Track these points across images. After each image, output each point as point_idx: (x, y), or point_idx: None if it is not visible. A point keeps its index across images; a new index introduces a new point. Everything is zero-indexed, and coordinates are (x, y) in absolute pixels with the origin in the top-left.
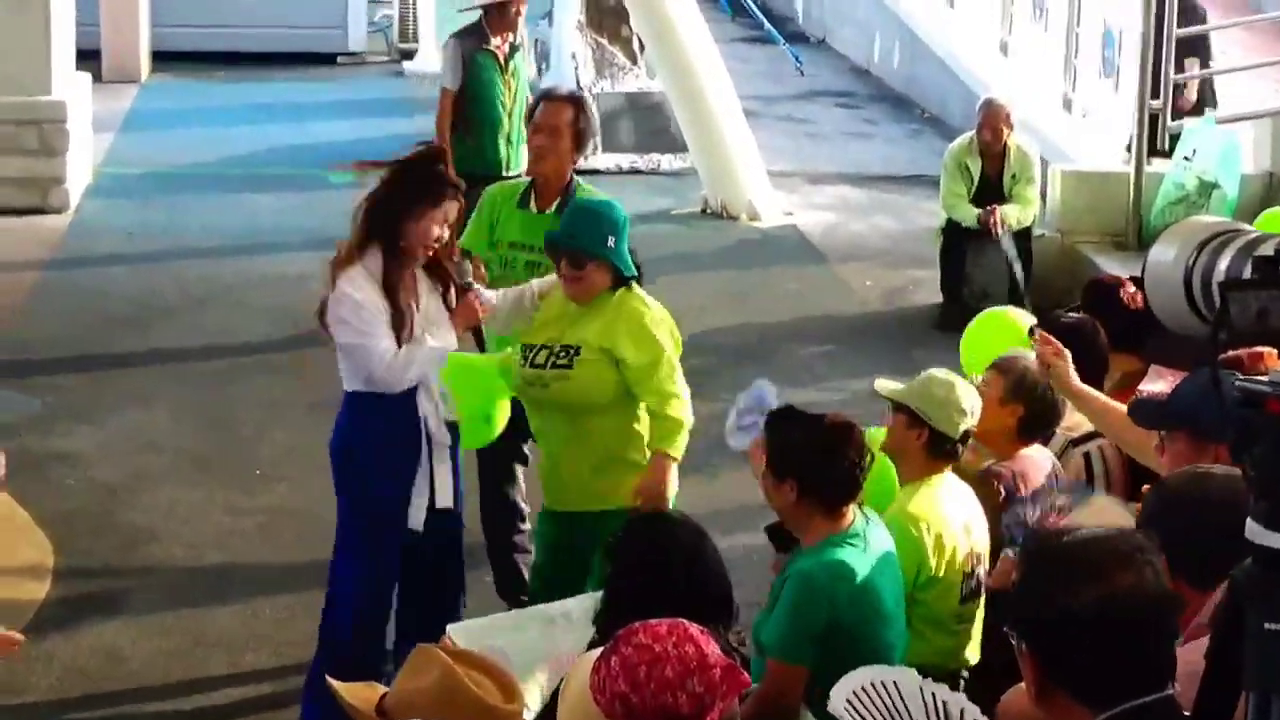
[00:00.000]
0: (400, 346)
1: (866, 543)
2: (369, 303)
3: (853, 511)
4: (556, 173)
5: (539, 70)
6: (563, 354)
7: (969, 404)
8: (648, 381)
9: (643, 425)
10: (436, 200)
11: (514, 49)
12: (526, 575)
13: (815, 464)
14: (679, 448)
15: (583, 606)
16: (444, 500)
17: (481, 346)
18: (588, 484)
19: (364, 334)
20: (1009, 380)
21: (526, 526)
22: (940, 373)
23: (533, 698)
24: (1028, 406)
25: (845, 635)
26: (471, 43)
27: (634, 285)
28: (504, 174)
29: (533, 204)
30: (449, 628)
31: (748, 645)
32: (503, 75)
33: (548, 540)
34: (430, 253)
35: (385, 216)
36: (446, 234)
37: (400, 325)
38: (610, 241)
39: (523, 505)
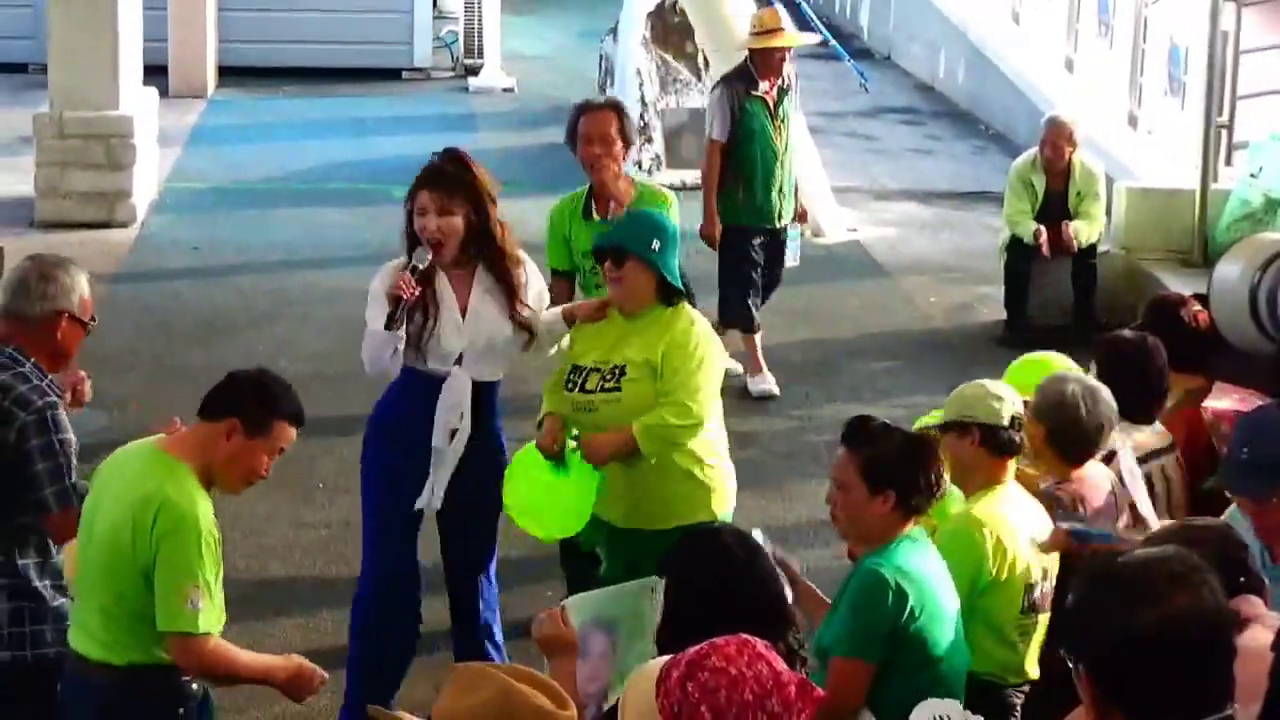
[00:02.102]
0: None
1: (927, 545)
2: (376, 289)
3: (918, 521)
4: (613, 175)
5: (603, 86)
6: (611, 376)
7: (1003, 391)
8: (672, 388)
9: (701, 440)
10: (413, 193)
11: (783, 92)
12: None
13: (912, 475)
14: (649, 440)
15: None
16: (421, 503)
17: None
18: (647, 505)
19: (368, 318)
20: (1036, 398)
21: None
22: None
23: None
24: (1049, 425)
25: (909, 635)
26: (740, 88)
27: (686, 304)
28: (776, 225)
29: (594, 213)
30: (565, 601)
31: (807, 648)
32: (773, 121)
33: (610, 555)
34: (436, 245)
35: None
36: (437, 223)
37: (393, 314)
38: (654, 245)
39: None
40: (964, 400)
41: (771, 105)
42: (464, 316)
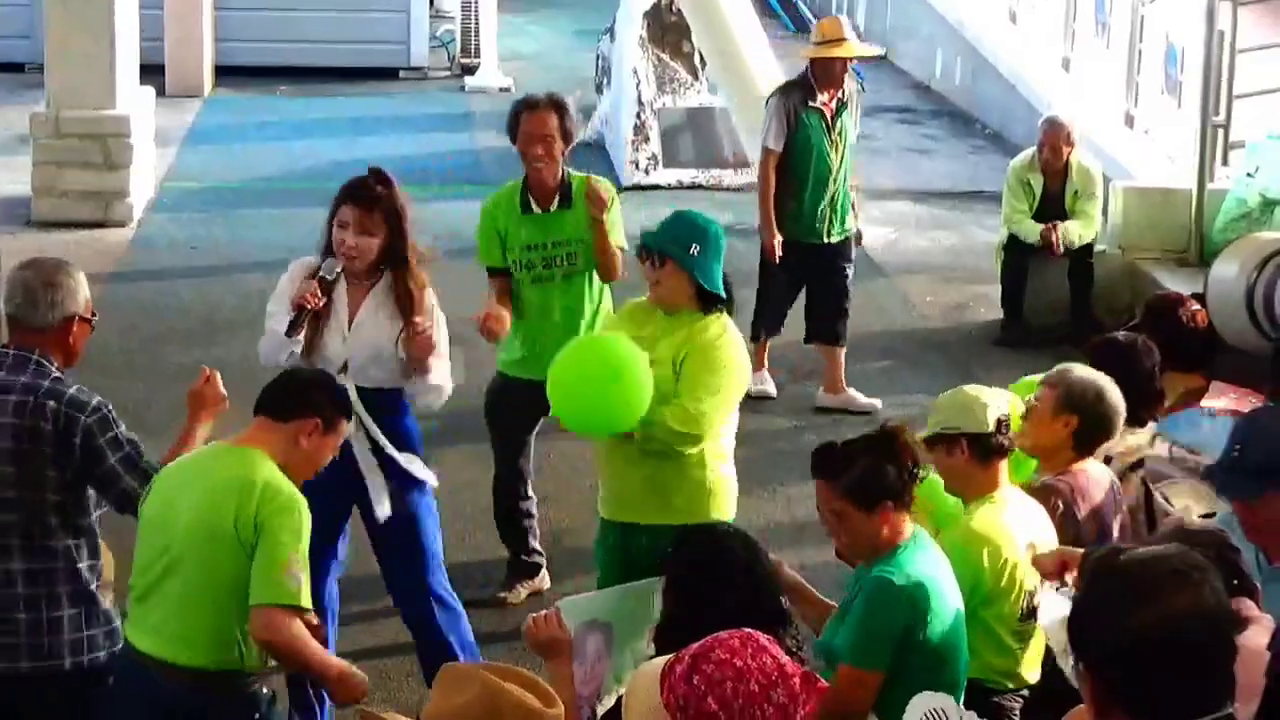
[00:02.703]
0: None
1: (931, 547)
2: (283, 286)
3: (910, 522)
4: (552, 173)
5: (599, 86)
6: None
7: (986, 396)
8: (681, 392)
9: (713, 443)
10: (335, 206)
11: (842, 106)
12: (531, 539)
13: (895, 477)
14: (644, 436)
15: None
16: (380, 514)
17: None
18: (650, 497)
19: (269, 312)
20: (1059, 392)
21: (532, 495)
22: (943, 393)
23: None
24: (1081, 416)
25: (918, 641)
26: (796, 99)
27: (724, 314)
28: (826, 241)
29: (535, 206)
30: (559, 604)
31: (805, 649)
32: (829, 135)
33: (609, 550)
34: (348, 258)
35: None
36: (355, 240)
37: (296, 321)
38: (694, 250)
39: (529, 475)
40: (948, 411)
41: (829, 118)
42: (350, 327)
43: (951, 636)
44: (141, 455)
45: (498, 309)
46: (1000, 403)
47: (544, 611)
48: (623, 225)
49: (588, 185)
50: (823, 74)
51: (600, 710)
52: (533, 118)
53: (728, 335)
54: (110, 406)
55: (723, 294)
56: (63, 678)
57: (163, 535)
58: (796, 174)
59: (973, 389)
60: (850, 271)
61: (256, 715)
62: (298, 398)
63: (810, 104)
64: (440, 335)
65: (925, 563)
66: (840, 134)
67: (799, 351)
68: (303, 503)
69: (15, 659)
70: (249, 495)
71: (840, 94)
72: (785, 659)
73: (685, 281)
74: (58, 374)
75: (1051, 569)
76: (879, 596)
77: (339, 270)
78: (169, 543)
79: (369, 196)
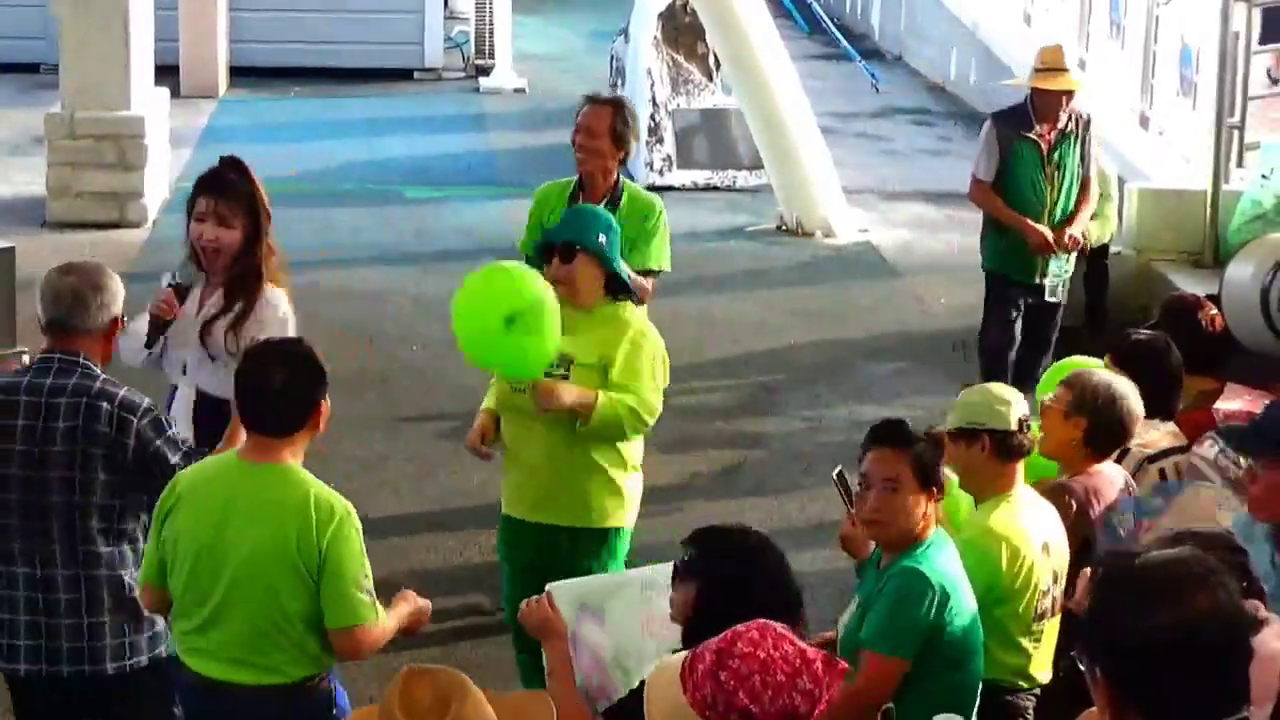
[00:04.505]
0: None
1: (952, 546)
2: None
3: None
4: (601, 170)
5: (614, 86)
6: (559, 364)
7: (1007, 394)
8: (635, 387)
9: (629, 444)
10: (191, 200)
11: (1063, 136)
12: None
13: (940, 474)
14: (606, 414)
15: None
16: None
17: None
18: (566, 500)
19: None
20: (1073, 394)
21: None
22: (966, 388)
23: (635, 661)
24: (1090, 419)
25: (943, 635)
26: (1010, 127)
27: (631, 303)
28: (1037, 281)
29: (581, 200)
30: (549, 586)
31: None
32: (1044, 167)
33: (512, 550)
34: (209, 253)
35: None
36: (214, 233)
37: (155, 336)
38: (601, 239)
39: None
40: (972, 407)
41: (1045, 150)
42: (150, 348)
43: (971, 635)
44: (194, 451)
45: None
46: (1022, 403)
47: (536, 596)
48: (668, 245)
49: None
50: (1041, 104)
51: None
52: (590, 111)
53: (650, 326)
54: (156, 405)
55: (626, 280)
56: (104, 682)
57: (217, 564)
58: (1010, 207)
59: (996, 387)
60: (1058, 317)
61: (335, 710)
62: (293, 410)
63: (1024, 134)
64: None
65: (949, 560)
66: (1059, 167)
67: (809, 352)
68: (351, 510)
69: (56, 662)
70: (307, 522)
71: (1064, 125)
72: (804, 645)
73: (596, 273)
74: (105, 376)
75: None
76: (910, 586)
77: (191, 273)
78: (227, 573)
79: (227, 186)
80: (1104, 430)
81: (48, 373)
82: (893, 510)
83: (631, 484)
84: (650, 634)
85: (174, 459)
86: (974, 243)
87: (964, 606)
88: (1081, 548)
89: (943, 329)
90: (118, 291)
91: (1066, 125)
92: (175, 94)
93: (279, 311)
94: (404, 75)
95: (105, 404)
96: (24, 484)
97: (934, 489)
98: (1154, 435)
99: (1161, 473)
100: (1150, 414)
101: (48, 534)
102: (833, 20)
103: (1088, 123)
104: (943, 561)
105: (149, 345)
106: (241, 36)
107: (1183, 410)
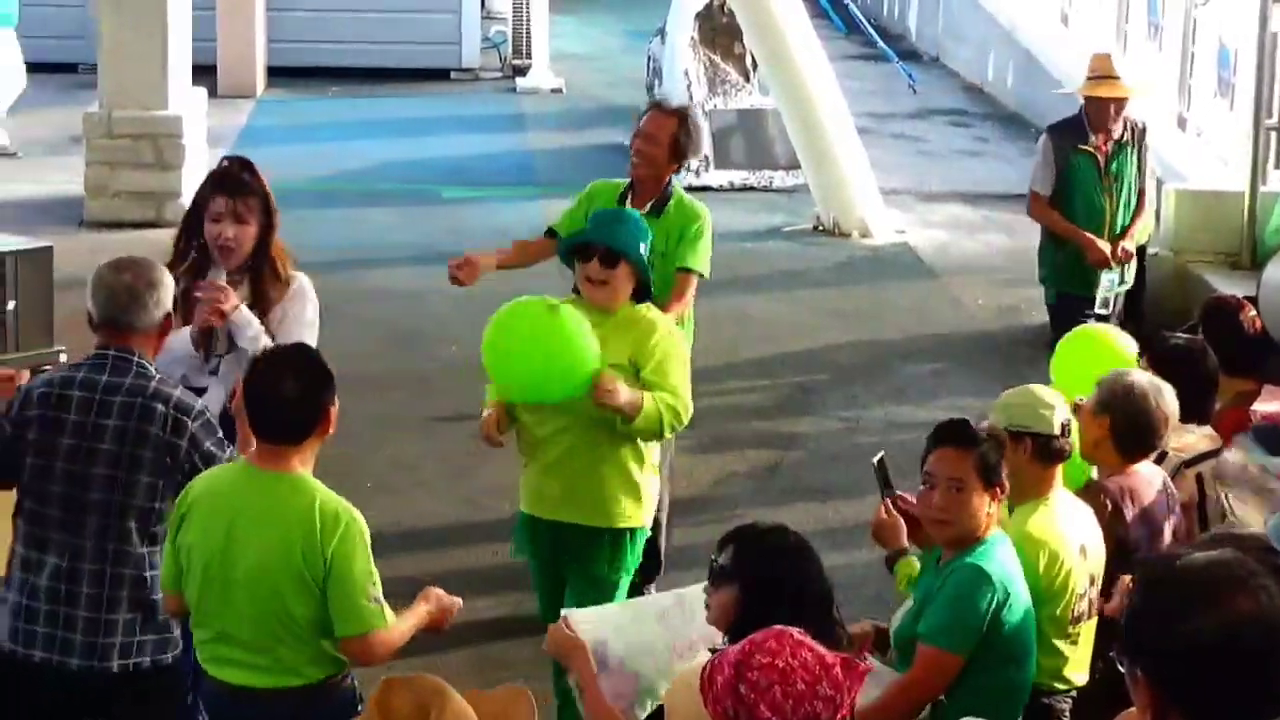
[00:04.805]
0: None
1: (1010, 548)
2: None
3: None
4: (653, 177)
5: (650, 87)
6: None
7: (1050, 397)
8: (670, 389)
9: (649, 445)
10: (203, 200)
11: (1120, 147)
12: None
13: (1002, 474)
14: (653, 415)
15: (693, 593)
16: None
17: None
18: (586, 498)
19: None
20: (1101, 392)
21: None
22: (1009, 390)
23: (659, 687)
24: (1114, 419)
25: (1000, 633)
26: (1067, 139)
27: (653, 306)
28: (1089, 294)
29: (629, 202)
30: (566, 612)
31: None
32: (1102, 179)
33: (532, 546)
34: (226, 251)
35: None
36: (233, 230)
37: (210, 348)
38: (642, 249)
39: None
40: (1015, 409)
41: (1102, 161)
42: (209, 357)
43: (1026, 633)
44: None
45: (483, 259)
46: (1064, 407)
47: (555, 624)
48: (709, 252)
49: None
50: (1094, 114)
51: (641, 715)
52: (654, 117)
53: (675, 329)
54: (207, 406)
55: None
56: (108, 679)
57: (227, 572)
58: (1068, 221)
59: (1040, 389)
60: (1099, 303)
61: (360, 706)
62: (303, 418)
63: (1081, 146)
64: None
65: (1008, 559)
66: (1117, 177)
67: (845, 353)
68: (357, 517)
69: (68, 654)
70: (311, 530)
71: (1120, 135)
72: (822, 649)
73: (633, 280)
74: (159, 375)
75: (1118, 609)
76: (971, 582)
77: (223, 276)
78: (237, 580)
79: (240, 184)
80: (1130, 429)
81: (102, 369)
82: (958, 510)
83: (650, 485)
84: (680, 656)
85: (222, 458)
86: (1011, 244)
87: (1021, 605)
88: (1117, 549)
89: (980, 330)
90: (170, 288)
91: (1122, 135)
92: (213, 94)
93: (309, 295)
94: (441, 75)
95: (160, 405)
96: (67, 477)
97: (997, 488)
98: (1190, 439)
99: (1199, 478)
100: (1185, 418)
101: (82, 529)
102: (870, 21)
103: (1143, 131)
104: (1002, 559)
105: (208, 353)
106: (279, 36)
107: (1220, 410)
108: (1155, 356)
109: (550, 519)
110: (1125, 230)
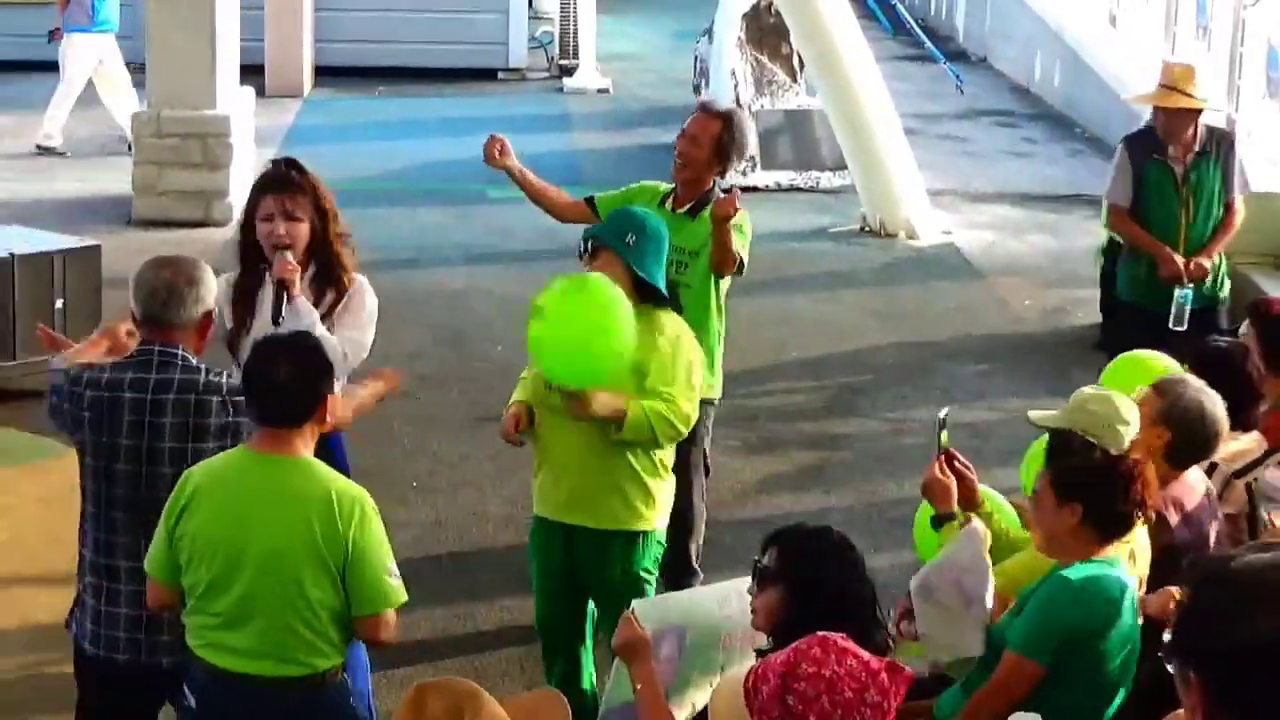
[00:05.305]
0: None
1: (1119, 572)
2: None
3: (1116, 546)
4: (695, 179)
5: (697, 88)
6: None
7: (1129, 414)
8: (670, 395)
9: (662, 451)
10: (254, 202)
11: (1201, 158)
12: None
13: (1105, 496)
14: (639, 423)
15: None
16: None
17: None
18: (595, 501)
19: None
20: (1164, 402)
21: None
22: (1092, 389)
23: (709, 678)
24: (1175, 433)
25: (1083, 648)
26: (1141, 150)
27: (669, 309)
28: (1162, 309)
29: (670, 204)
30: (634, 603)
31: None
32: (1178, 190)
33: (541, 550)
34: (279, 248)
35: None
36: (285, 228)
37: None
38: (630, 239)
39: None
40: (1091, 416)
41: (1180, 172)
42: (276, 323)
43: (1112, 655)
44: None
45: (519, 165)
46: (1137, 424)
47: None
48: (748, 241)
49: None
50: (1161, 124)
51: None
52: (700, 119)
53: (687, 331)
54: None
55: (661, 288)
56: (161, 677)
57: (238, 557)
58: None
59: (1122, 402)
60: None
61: (354, 701)
62: (298, 402)
63: (1155, 156)
64: (356, 317)
65: (1108, 580)
66: (1195, 190)
67: (892, 353)
68: (368, 497)
69: (114, 650)
70: (328, 517)
71: (1201, 146)
72: (867, 654)
73: (621, 273)
74: (206, 367)
75: (1161, 609)
76: (1054, 592)
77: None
78: (250, 566)
79: (287, 183)
80: (1186, 446)
81: (149, 366)
82: (1037, 518)
83: (662, 487)
84: (726, 650)
85: None
86: (1058, 246)
87: (1110, 630)
88: (1163, 555)
89: (1026, 331)
90: (212, 285)
91: (1205, 146)
92: (260, 94)
93: (368, 294)
94: (488, 75)
95: (214, 397)
96: (129, 480)
97: (1076, 505)
98: (1236, 446)
99: (1248, 487)
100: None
101: (114, 524)
102: (917, 22)
103: (1231, 143)
104: (1100, 577)
105: (276, 319)
106: (326, 37)
107: (1265, 412)
108: (1197, 360)
109: (561, 522)
110: (1205, 245)
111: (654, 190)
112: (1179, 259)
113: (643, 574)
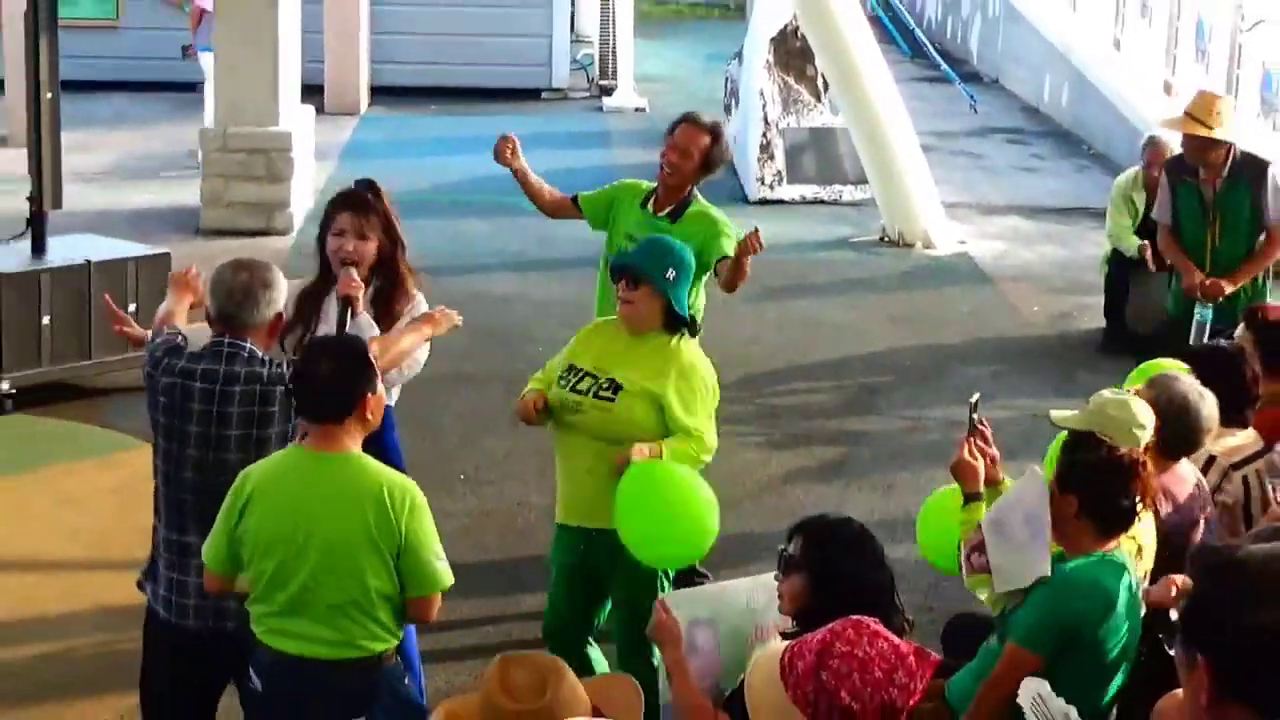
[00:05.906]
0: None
1: (1121, 569)
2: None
3: (1119, 541)
4: (679, 186)
5: (728, 107)
6: (607, 386)
7: (1146, 418)
8: (690, 427)
9: None
10: (329, 217)
11: (1231, 182)
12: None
13: (1102, 490)
14: (675, 454)
15: (769, 580)
16: None
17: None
18: (610, 504)
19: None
20: (1153, 395)
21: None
22: (1110, 393)
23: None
24: (1164, 424)
25: (1083, 642)
26: (1176, 173)
27: (687, 335)
28: (1183, 319)
29: (651, 205)
30: (663, 596)
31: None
32: (1207, 212)
33: (561, 555)
34: (347, 263)
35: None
36: (354, 244)
37: (346, 315)
38: (670, 274)
39: None
40: (1109, 420)
41: (1210, 195)
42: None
43: (1110, 652)
44: None
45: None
46: (1151, 426)
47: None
48: (733, 241)
49: (743, 243)
50: (1185, 149)
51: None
52: (685, 130)
53: (702, 359)
54: None
55: (687, 318)
56: (228, 639)
57: (299, 551)
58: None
59: (1140, 406)
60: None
61: (407, 679)
62: (337, 398)
63: (1188, 179)
64: (411, 345)
65: (1109, 575)
66: (1221, 214)
67: (908, 356)
68: (415, 486)
69: (184, 617)
70: (381, 508)
71: (1232, 171)
72: (896, 639)
73: (658, 305)
74: (272, 358)
75: (1162, 598)
76: (1056, 585)
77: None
78: (311, 558)
79: (363, 203)
80: (1173, 436)
81: (219, 358)
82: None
83: None
84: (759, 640)
85: None
86: (1066, 255)
87: (1109, 623)
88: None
89: (1035, 335)
90: (283, 288)
91: (1239, 171)
92: (320, 111)
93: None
94: (532, 95)
95: (280, 387)
96: (197, 464)
97: (1072, 497)
98: (1234, 441)
99: (1245, 480)
100: (1225, 419)
101: (181, 505)
102: (934, 45)
103: (1264, 170)
104: (1101, 572)
105: (340, 326)
106: (382, 58)
107: (1258, 411)
108: (1196, 360)
109: (582, 526)
110: (1236, 269)
111: (636, 188)
112: (1199, 275)
113: (659, 571)
